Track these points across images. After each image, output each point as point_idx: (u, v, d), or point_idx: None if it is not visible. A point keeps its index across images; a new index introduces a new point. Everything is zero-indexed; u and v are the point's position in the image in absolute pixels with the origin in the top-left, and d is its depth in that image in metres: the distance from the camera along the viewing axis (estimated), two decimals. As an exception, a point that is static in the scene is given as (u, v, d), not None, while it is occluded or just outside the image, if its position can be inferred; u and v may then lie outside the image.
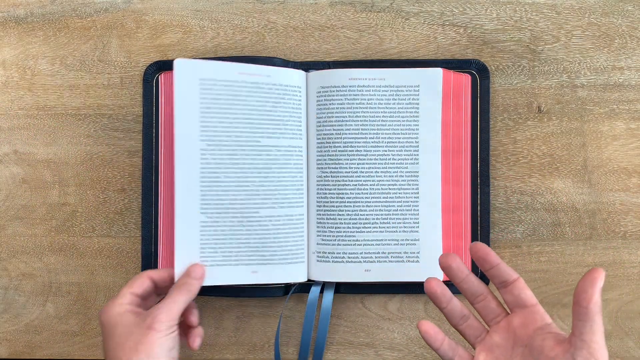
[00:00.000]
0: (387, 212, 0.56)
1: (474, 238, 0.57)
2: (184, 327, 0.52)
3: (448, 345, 0.46)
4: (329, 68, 0.57)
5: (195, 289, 0.50)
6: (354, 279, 0.56)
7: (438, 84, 0.56)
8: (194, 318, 0.52)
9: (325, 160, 0.57)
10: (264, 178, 0.56)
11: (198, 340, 0.52)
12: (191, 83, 0.53)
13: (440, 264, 0.45)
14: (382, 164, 0.56)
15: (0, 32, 0.60)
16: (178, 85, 0.53)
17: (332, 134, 0.56)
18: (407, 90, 0.57)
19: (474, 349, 0.45)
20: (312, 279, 0.57)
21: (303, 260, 0.56)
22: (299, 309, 0.59)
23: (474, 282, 0.45)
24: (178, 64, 0.52)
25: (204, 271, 0.52)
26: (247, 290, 0.57)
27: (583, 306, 0.39)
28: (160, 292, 0.52)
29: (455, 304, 0.46)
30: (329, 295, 0.57)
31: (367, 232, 0.56)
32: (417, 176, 0.56)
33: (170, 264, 0.57)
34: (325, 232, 0.56)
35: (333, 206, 0.56)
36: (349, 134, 0.56)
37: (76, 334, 0.60)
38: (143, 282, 0.50)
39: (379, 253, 0.56)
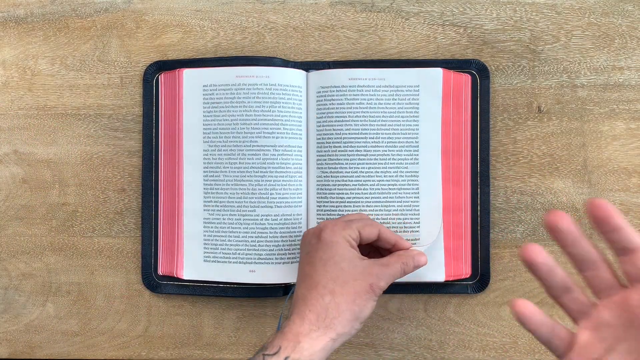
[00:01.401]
0: (387, 212, 0.56)
1: (474, 238, 0.57)
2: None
3: (545, 326, 0.39)
4: (329, 68, 0.57)
5: (407, 272, 0.49)
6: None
7: (438, 84, 0.56)
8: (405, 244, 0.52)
9: (325, 160, 0.57)
10: (261, 177, 0.56)
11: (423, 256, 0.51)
12: (195, 90, 0.56)
13: (546, 223, 0.38)
14: (382, 164, 0.56)
15: (0, 32, 0.60)
16: (186, 93, 0.57)
17: (332, 134, 0.56)
18: (407, 90, 0.57)
19: (577, 325, 0.38)
20: (312, 279, 0.57)
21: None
22: (299, 309, 0.59)
23: (584, 247, 0.38)
24: (186, 74, 0.57)
25: (425, 264, 0.50)
26: (247, 290, 0.57)
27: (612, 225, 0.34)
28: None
29: (558, 273, 0.39)
30: (329, 295, 0.57)
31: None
32: (417, 176, 0.56)
33: (170, 263, 0.58)
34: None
35: (333, 206, 0.56)
36: (349, 133, 0.56)
37: (76, 334, 0.60)
38: (373, 231, 0.49)
39: (379, 253, 0.56)
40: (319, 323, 0.44)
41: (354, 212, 0.54)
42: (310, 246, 0.48)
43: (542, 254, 0.38)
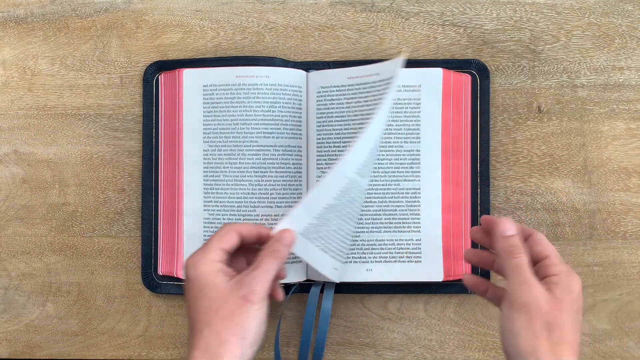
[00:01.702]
0: (387, 212, 0.56)
1: (474, 238, 0.57)
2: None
3: (492, 293, 0.49)
4: (329, 68, 0.57)
5: (285, 256, 0.47)
6: (355, 279, 0.56)
7: (438, 84, 0.56)
8: (283, 273, 0.51)
9: (325, 160, 0.57)
10: (261, 177, 0.56)
11: (280, 293, 0.50)
12: (195, 90, 0.56)
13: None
14: (382, 164, 0.56)
15: (0, 32, 0.60)
16: (186, 93, 0.56)
17: (332, 133, 0.56)
18: (407, 91, 0.57)
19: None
20: (312, 279, 0.57)
21: (300, 261, 0.56)
22: (299, 309, 0.59)
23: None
24: (186, 74, 0.56)
25: (293, 238, 0.48)
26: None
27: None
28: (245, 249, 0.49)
29: (488, 287, 0.49)
30: (329, 295, 0.57)
31: (368, 232, 0.56)
32: (418, 176, 0.56)
33: (170, 263, 0.58)
34: (325, 232, 0.56)
35: (333, 206, 0.56)
36: (349, 133, 0.56)
37: (76, 334, 0.60)
38: (232, 237, 0.47)
39: (380, 253, 0.56)
40: (210, 357, 0.43)
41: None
42: (184, 290, 0.46)
43: (472, 279, 0.50)
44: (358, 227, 0.56)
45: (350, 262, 0.56)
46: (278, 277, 0.49)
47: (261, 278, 0.45)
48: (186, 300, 0.46)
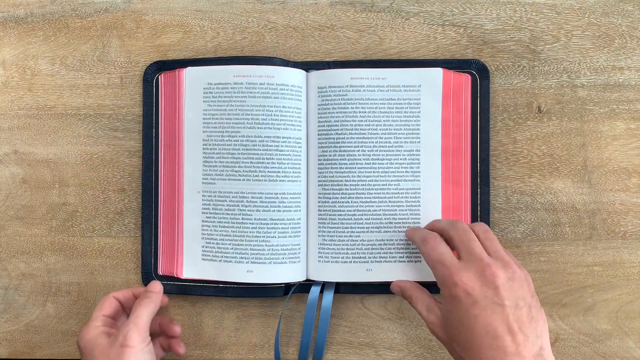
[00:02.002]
0: (388, 212, 0.56)
1: (474, 238, 0.57)
2: (166, 338, 0.56)
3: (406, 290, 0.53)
4: (329, 68, 0.57)
5: (156, 300, 0.53)
6: (355, 279, 0.56)
7: (438, 84, 0.56)
8: (176, 328, 0.55)
9: (326, 160, 0.57)
10: (261, 177, 0.56)
11: (182, 347, 0.56)
12: (195, 90, 0.57)
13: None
14: (382, 164, 0.56)
15: (0, 32, 0.60)
16: (186, 92, 0.57)
17: (333, 134, 0.56)
18: (407, 91, 0.57)
19: None
20: (312, 278, 0.57)
21: (299, 261, 0.56)
22: (299, 309, 0.59)
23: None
24: (186, 73, 0.57)
25: (161, 286, 0.55)
26: (247, 290, 0.57)
27: None
28: (128, 310, 0.55)
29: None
30: (329, 295, 0.57)
31: (368, 232, 0.56)
32: (418, 176, 0.56)
33: (170, 263, 0.58)
34: (326, 232, 0.56)
35: (334, 207, 0.56)
36: (350, 134, 0.56)
37: (76, 334, 0.60)
38: (111, 303, 0.53)
39: (380, 253, 0.56)
40: None
41: None
42: None
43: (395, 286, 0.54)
44: (358, 227, 0.56)
45: (351, 262, 0.56)
46: (171, 333, 0.55)
47: (134, 323, 0.50)
48: None
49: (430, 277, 0.56)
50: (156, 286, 0.54)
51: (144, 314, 0.51)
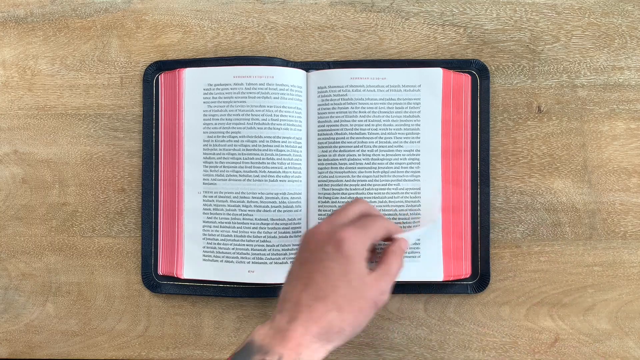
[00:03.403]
0: (388, 212, 0.56)
1: (474, 238, 0.57)
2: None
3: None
4: (329, 68, 0.57)
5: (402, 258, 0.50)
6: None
7: (438, 84, 0.56)
8: None
9: (326, 160, 0.57)
10: (261, 177, 0.56)
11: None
12: (195, 90, 0.57)
13: None
14: (382, 164, 0.56)
15: (0, 32, 0.60)
16: (186, 93, 0.57)
17: (333, 133, 0.56)
18: (407, 90, 0.57)
19: None
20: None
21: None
22: (299, 309, 0.59)
23: None
24: (186, 73, 0.57)
25: (408, 245, 0.51)
26: (247, 290, 0.57)
27: None
28: None
29: None
30: (329, 295, 0.57)
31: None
32: (418, 176, 0.56)
33: (170, 263, 0.58)
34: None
35: (334, 207, 0.56)
36: (350, 134, 0.56)
37: (76, 334, 0.60)
38: (382, 233, 0.49)
39: (380, 252, 0.56)
40: (321, 336, 0.44)
41: (356, 200, 0.51)
42: (324, 254, 0.46)
43: None
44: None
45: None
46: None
47: (392, 286, 0.47)
48: (323, 270, 0.45)
49: (430, 277, 0.56)
50: (404, 243, 0.50)
51: (396, 274, 0.48)
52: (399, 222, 0.56)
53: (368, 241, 0.47)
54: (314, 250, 0.46)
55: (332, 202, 0.56)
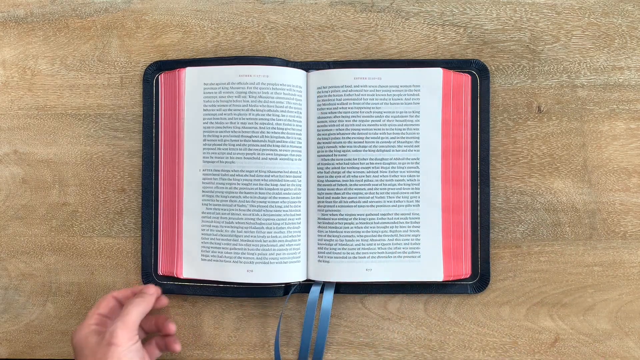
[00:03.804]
0: (387, 212, 0.56)
1: (474, 238, 0.57)
2: (162, 338, 0.56)
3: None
4: (329, 68, 0.57)
5: (149, 301, 0.53)
6: (354, 279, 0.56)
7: (438, 84, 0.56)
8: (171, 326, 0.55)
9: (325, 160, 0.57)
10: (261, 177, 0.56)
11: (178, 344, 0.56)
12: (196, 89, 0.57)
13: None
14: (382, 163, 0.56)
15: (0, 32, 0.60)
16: (187, 92, 0.57)
17: (333, 133, 0.56)
18: (407, 90, 0.57)
19: None
20: (312, 279, 0.57)
21: (299, 261, 0.56)
22: (299, 309, 0.59)
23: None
24: (187, 73, 0.57)
25: (157, 289, 0.55)
26: (247, 290, 0.57)
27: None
28: None
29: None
30: (328, 295, 0.57)
31: (368, 231, 0.56)
32: (418, 176, 0.56)
33: (170, 263, 0.58)
34: (326, 232, 0.56)
35: (334, 207, 0.56)
36: (350, 134, 0.56)
37: (76, 334, 0.60)
38: (108, 302, 0.53)
39: (380, 252, 0.56)
40: None
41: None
42: (74, 357, 0.51)
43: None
44: (358, 227, 0.56)
45: (350, 261, 0.56)
46: (166, 331, 0.55)
47: (122, 321, 0.50)
48: None
49: (430, 277, 0.56)
50: (150, 288, 0.54)
51: (133, 312, 0.51)
52: (399, 222, 0.56)
53: (87, 321, 0.51)
54: None
55: (331, 203, 0.56)
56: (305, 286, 0.57)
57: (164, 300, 0.56)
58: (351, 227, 0.56)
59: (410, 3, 0.59)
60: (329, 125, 0.56)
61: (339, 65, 0.58)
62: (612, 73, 0.58)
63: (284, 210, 0.56)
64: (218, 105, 0.56)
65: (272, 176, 0.56)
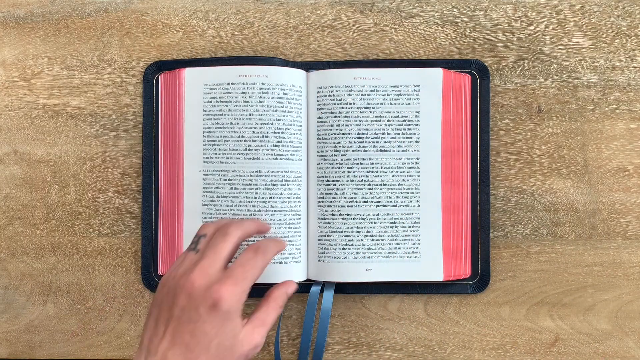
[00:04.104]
0: (387, 212, 0.56)
1: (474, 238, 0.57)
2: None
3: None
4: (329, 68, 0.57)
5: (285, 302, 0.50)
6: (354, 279, 0.56)
7: (438, 84, 0.56)
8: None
9: (325, 160, 0.57)
10: (261, 177, 0.56)
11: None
12: (196, 89, 0.57)
13: None
14: (382, 163, 0.56)
15: (0, 32, 0.60)
16: (187, 92, 0.57)
17: (333, 133, 0.56)
18: (407, 90, 0.57)
19: None
20: (312, 278, 0.57)
21: (299, 260, 0.56)
22: (299, 309, 0.59)
23: None
24: (186, 73, 0.57)
25: (295, 286, 0.51)
26: (247, 290, 0.57)
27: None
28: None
29: None
30: (328, 295, 0.57)
31: (368, 231, 0.56)
32: (418, 176, 0.56)
33: (171, 263, 0.58)
34: (326, 232, 0.56)
35: (334, 207, 0.56)
36: (350, 134, 0.56)
37: (76, 334, 0.60)
38: (258, 274, 0.47)
39: (380, 252, 0.56)
40: None
41: (227, 227, 0.47)
42: (197, 315, 0.43)
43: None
44: (358, 227, 0.56)
45: (350, 261, 0.56)
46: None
47: (266, 331, 0.46)
48: (194, 331, 0.43)
49: (430, 277, 0.56)
50: (293, 287, 0.50)
51: (276, 317, 0.48)
52: (399, 222, 0.56)
53: (246, 294, 0.45)
54: (185, 308, 0.43)
55: (331, 203, 0.56)
56: (305, 286, 0.57)
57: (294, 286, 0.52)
58: (351, 227, 0.56)
59: (410, 3, 0.59)
60: (329, 125, 0.56)
61: (339, 65, 0.58)
62: (612, 73, 0.58)
63: (284, 210, 0.56)
64: (218, 106, 0.56)
65: (272, 176, 0.56)
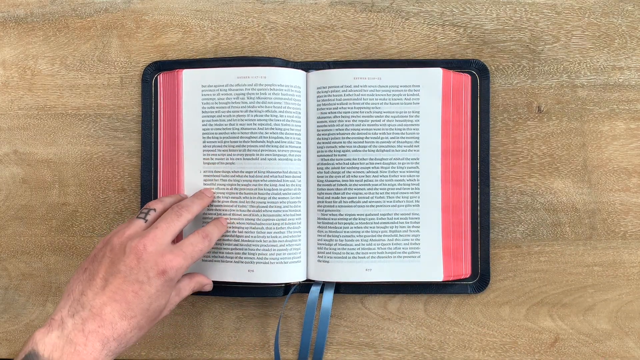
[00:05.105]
0: (387, 212, 0.56)
1: (474, 238, 0.57)
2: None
3: None
4: (329, 68, 0.57)
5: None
6: (354, 279, 0.56)
7: (438, 84, 0.56)
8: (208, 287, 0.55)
9: (325, 160, 0.57)
10: (260, 177, 0.56)
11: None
12: (194, 91, 0.57)
13: None
14: (382, 164, 0.56)
15: (0, 32, 0.60)
16: (185, 93, 0.57)
17: (333, 133, 0.56)
18: (407, 90, 0.57)
19: None
20: (312, 279, 0.57)
21: (299, 261, 0.56)
22: (299, 309, 0.59)
23: None
24: (185, 74, 0.57)
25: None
26: (247, 290, 0.57)
27: None
28: None
29: None
30: (328, 295, 0.57)
31: (367, 231, 0.56)
32: (418, 176, 0.56)
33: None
34: (326, 232, 0.56)
35: (334, 207, 0.56)
36: (349, 134, 0.56)
37: (76, 334, 0.60)
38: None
39: (379, 252, 0.56)
40: (114, 351, 0.45)
41: (176, 204, 0.52)
42: (145, 278, 0.46)
43: None
44: (357, 227, 0.56)
45: (350, 261, 0.56)
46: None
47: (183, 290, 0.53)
48: (128, 285, 0.45)
49: (430, 277, 0.56)
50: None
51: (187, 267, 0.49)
52: (399, 222, 0.56)
53: (187, 268, 0.49)
54: (134, 268, 0.46)
55: (331, 203, 0.56)
56: (305, 286, 0.57)
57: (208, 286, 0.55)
58: (351, 227, 0.56)
59: (410, 3, 0.59)
60: (329, 125, 0.56)
61: (339, 65, 0.58)
62: (612, 73, 0.58)
63: (284, 211, 0.56)
64: (216, 107, 0.56)
65: (271, 177, 0.56)
